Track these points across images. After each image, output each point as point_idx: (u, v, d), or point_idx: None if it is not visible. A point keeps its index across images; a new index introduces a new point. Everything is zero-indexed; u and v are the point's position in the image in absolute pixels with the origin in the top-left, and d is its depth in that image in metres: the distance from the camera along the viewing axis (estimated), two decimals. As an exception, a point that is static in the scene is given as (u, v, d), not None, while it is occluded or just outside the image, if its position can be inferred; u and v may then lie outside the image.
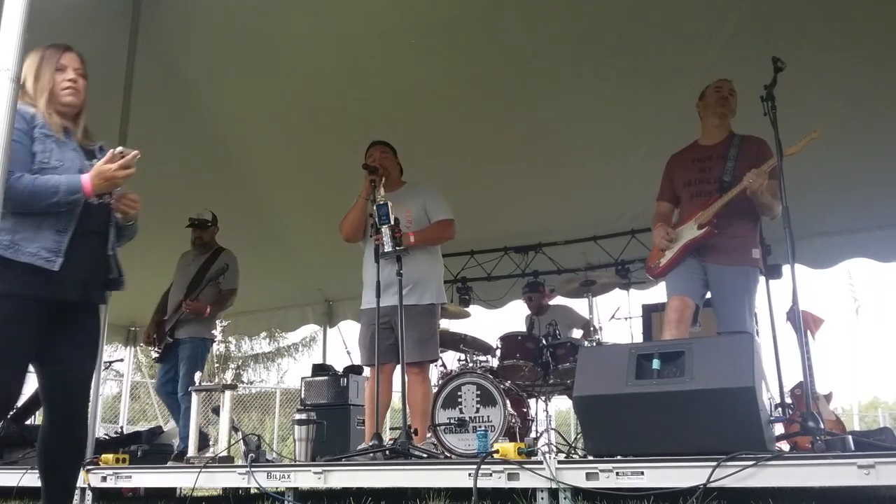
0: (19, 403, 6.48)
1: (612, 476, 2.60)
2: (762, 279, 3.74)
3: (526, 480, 2.73)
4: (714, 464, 2.44)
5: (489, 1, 4.50)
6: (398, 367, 4.03)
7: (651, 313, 5.84)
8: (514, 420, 5.06)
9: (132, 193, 2.68)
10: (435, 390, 4.80)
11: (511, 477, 2.76)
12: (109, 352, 10.63)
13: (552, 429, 5.84)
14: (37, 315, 2.45)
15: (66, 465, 2.66)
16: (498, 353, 5.64)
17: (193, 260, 5.51)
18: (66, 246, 2.46)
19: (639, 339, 5.94)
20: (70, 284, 2.50)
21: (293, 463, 3.67)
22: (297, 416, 3.94)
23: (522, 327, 6.02)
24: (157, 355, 5.42)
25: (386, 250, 3.74)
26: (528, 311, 6.44)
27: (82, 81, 2.68)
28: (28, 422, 6.13)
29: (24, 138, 2.47)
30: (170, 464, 4.48)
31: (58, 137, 2.55)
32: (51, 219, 2.46)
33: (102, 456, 3.84)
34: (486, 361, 5.67)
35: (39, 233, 2.44)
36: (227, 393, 3.94)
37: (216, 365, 4.19)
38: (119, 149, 2.48)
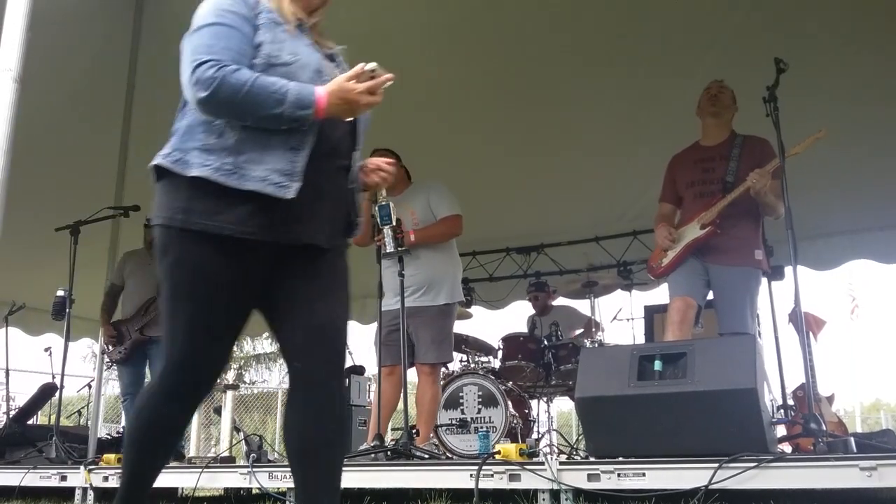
0: (21, 403, 6.52)
1: (614, 477, 2.60)
2: (764, 280, 3.74)
3: (527, 481, 2.73)
4: (716, 465, 2.44)
5: (492, 3, 4.50)
6: (410, 369, 4.06)
7: (653, 314, 5.84)
8: (515, 421, 5.06)
9: (388, 161, 2.12)
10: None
11: (512, 478, 2.76)
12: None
13: (554, 430, 5.84)
14: (255, 263, 1.83)
15: (322, 455, 1.91)
16: (500, 353, 5.65)
17: (152, 259, 5.31)
18: (301, 167, 1.82)
19: (641, 340, 5.94)
20: (307, 221, 1.87)
21: (295, 463, 3.66)
22: (299, 417, 3.93)
23: (524, 328, 6.02)
24: (121, 356, 5.16)
25: (388, 251, 3.74)
26: (530, 312, 6.45)
27: None
28: (30, 421, 6.16)
29: (243, 24, 1.85)
30: (174, 463, 4.47)
31: (288, 28, 1.93)
32: (281, 133, 1.82)
33: (104, 456, 3.84)
34: (488, 362, 5.68)
35: (268, 151, 1.80)
36: (229, 393, 3.95)
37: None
38: (371, 65, 1.85)
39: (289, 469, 3.26)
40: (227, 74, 1.74)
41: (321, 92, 1.79)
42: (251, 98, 1.74)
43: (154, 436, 1.92)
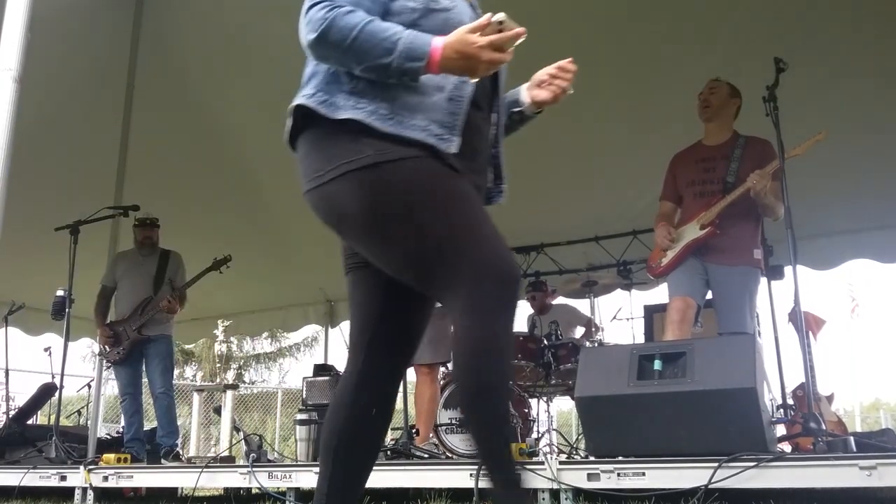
0: (20, 403, 6.52)
1: (614, 477, 2.60)
2: (764, 280, 3.74)
3: (527, 481, 2.72)
4: (716, 465, 2.44)
5: (492, 2, 4.49)
6: (409, 369, 4.06)
7: (653, 314, 5.84)
8: (515, 420, 5.06)
9: (568, 60, 1.91)
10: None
11: (512, 477, 2.76)
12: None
13: (554, 429, 5.84)
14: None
15: (368, 452, 1.73)
16: (499, 353, 5.64)
17: (145, 259, 5.27)
18: (462, 120, 1.63)
19: (640, 339, 5.93)
20: (474, 177, 1.70)
21: (295, 463, 3.67)
22: (299, 416, 3.95)
23: (524, 327, 6.02)
24: (119, 357, 5.10)
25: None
26: (529, 312, 6.44)
27: None
28: (30, 421, 6.16)
29: None
30: (174, 464, 4.48)
31: None
32: (435, 80, 1.62)
33: (104, 455, 3.85)
34: (488, 362, 5.66)
35: (425, 98, 1.61)
36: (229, 393, 3.95)
37: (218, 365, 4.19)
38: (500, 16, 1.61)
39: (289, 468, 3.27)
40: (338, 16, 1.54)
41: (437, 43, 1.54)
42: (360, 44, 1.53)
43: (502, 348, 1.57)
